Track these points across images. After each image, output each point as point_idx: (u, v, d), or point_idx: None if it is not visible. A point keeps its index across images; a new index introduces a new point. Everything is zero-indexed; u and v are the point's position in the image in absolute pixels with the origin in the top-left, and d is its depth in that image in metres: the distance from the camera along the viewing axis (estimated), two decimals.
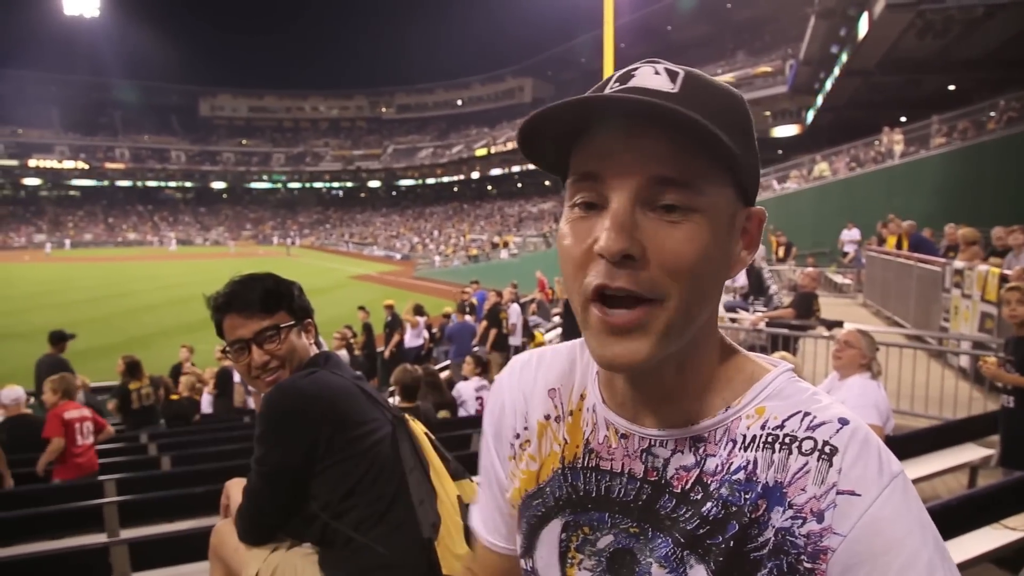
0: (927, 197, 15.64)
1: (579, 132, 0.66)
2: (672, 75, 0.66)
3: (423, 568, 1.70)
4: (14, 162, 69.95)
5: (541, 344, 12.55)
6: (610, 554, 0.71)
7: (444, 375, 11.02)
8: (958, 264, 7.63)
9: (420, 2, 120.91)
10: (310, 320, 1.91)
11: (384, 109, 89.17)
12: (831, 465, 0.62)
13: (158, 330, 18.71)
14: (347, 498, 1.69)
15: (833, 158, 21.69)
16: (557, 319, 13.99)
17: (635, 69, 0.68)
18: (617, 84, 0.67)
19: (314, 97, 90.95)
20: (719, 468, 0.68)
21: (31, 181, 72.39)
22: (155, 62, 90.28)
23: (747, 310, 9.74)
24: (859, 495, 0.61)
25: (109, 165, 74.61)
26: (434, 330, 12.93)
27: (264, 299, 1.79)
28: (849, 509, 0.60)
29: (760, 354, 0.77)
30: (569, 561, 0.75)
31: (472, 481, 1.99)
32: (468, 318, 11.67)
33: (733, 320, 8.69)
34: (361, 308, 13.42)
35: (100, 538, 3.54)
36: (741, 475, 0.66)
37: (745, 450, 0.67)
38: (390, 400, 3.95)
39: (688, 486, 0.68)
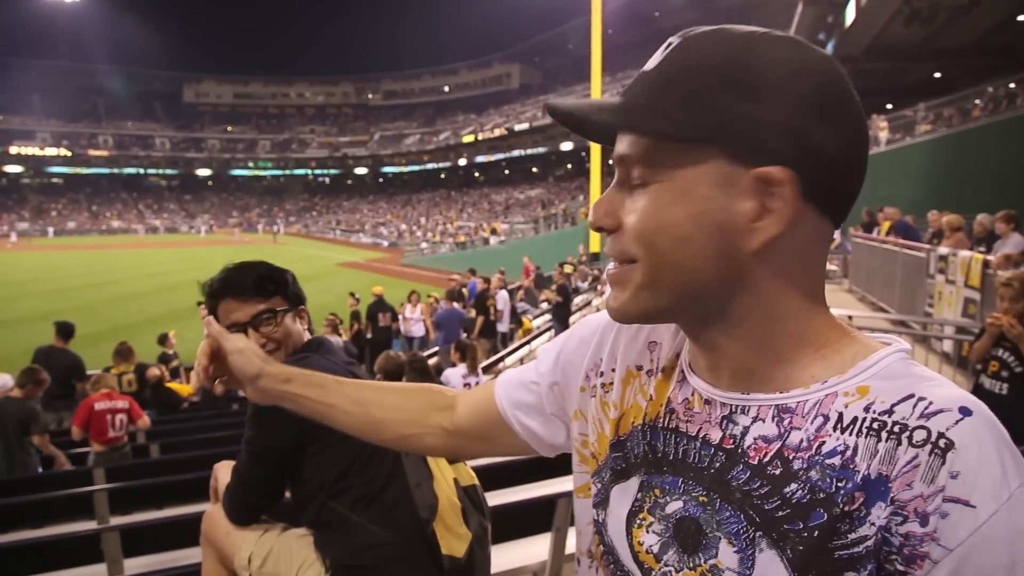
0: (912, 184, 15.75)
1: None
2: (665, 49, 0.68)
3: (420, 548, 1.72)
4: None
5: (529, 331, 12.59)
6: (676, 520, 0.69)
7: (433, 361, 11.06)
8: (942, 250, 7.70)
9: None
10: (303, 307, 1.93)
11: (370, 95, 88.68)
12: (944, 463, 0.55)
13: (144, 318, 18.59)
14: (342, 479, 1.71)
15: None
16: (545, 304, 14.02)
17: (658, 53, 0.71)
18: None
19: (300, 83, 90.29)
20: (804, 444, 0.62)
21: (12, 168, 71.40)
22: (139, 48, 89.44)
23: None
24: (973, 507, 0.54)
25: (92, 152, 73.80)
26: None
27: (260, 283, 1.81)
28: (960, 520, 0.54)
29: (876, 334, 0.71)
30: (638, 522, 0.72)
31: (466, 465, 2.01)
32: (456, 305, 11.68)
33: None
34: (351, 295, 13.39)
35: (91, 525, 3.54)
36: (837, 460, 0.60)
37: (843, 432, 0.61)
38: None
39: (766, 459, 0.64)
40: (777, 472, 0.62)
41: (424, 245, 45.05)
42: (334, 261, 38.71)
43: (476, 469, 2.05)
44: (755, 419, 0.66)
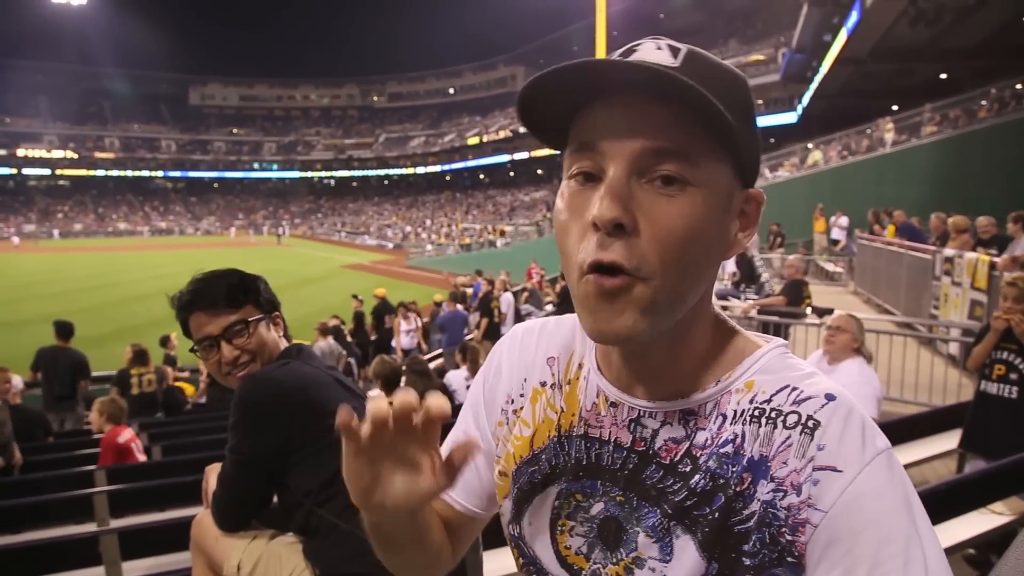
0: (918, 186, 15.68)
1: (579, 105, 0.66)
2: (674, 51, 0.66)
3: None
4: (2, 152, 69.25)
5: None
6: (600, 521, 0.72)
7: (436, 363, 11.04)
8: (948, 252, 7.66)
9: None
10: (278, 313, 1.89)
11: (376, 98, 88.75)
12: (812, 439, 0.62)
13: (148, 320, 18.62)
14: (329, 486, 1.68)
15: (824, 146, 21.71)
16: (550, 307, 14.00)
17: (637, 45, 0.68)
18: (619, 59, 0.66)
19: (305, 86, 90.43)
20: (708, 442, 0.67)
21: (19, 171, 71.68)
22: (145, 50, 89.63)
23: (738, 298, 9.77)
24: (840, 471, 0.60)
25: (99, 155, 74.03)
26: (424, 319, 12.92)
27: (230, 294, 1.76)
28: (830, 485, 0.60)
29: (755, 332, 0.76)
30: (560, 528, 0.76)
31: None
32: (459, 307, 11.66)
33: (724, 308, 8.71)
34: (354, 297, 13.40)
35: (90, 527, 3.53)
36: (729, 448, 0.66)
37: (733, 423, 0.67)
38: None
39: (677, 458, 0.68)
40: (687, 469, 0.67)
41: (429, 247, 45.02)
42: (339, 263, 38.73)
43: None
44: (663, 423, 0.70)
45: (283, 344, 1.87)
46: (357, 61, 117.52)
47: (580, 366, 0.80)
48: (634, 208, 0.61)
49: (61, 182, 74.78)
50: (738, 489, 0.64)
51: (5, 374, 5.85)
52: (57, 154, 71.76)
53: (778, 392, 0.66)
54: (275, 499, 1.80)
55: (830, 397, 0.64)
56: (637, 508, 0.70)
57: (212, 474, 1.88)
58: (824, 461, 0.61)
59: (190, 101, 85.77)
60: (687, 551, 0.66)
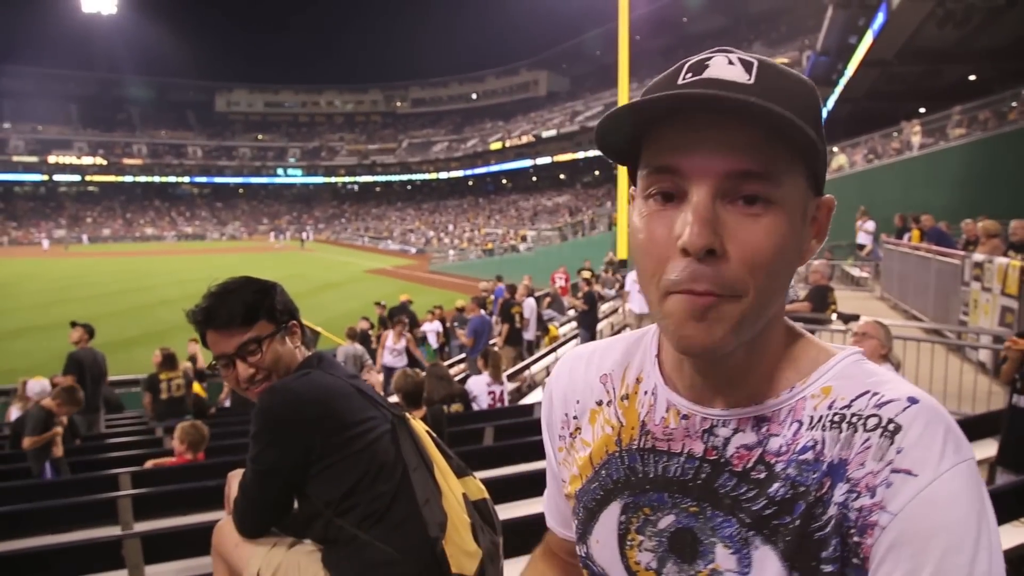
0: (946, 190, 15.43)
1: (653, 121, 0.66)
2: (747, 65, 0.65)
3: (429, 566, 1.68)
4: (34, 158, 70.71)
5: (556, 338, 12.56)
6: (671, 533, 0.72)
7: (459, 368, 11.05)
8: (978, 257, 7.52)
9: None
10: (295, 322, 1.87)
11: (399, 103, 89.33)
12: (892, 443, 0.61)
13: (173, 325, 18.85)
14: (349, 496, 1.68)
15: (850, 150, 21.46)
16: (572, 312, 13.96)
17: (708, 59, 0.67)
18: (690, 74, 0.66)
19: (329, 92, 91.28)
20: (784, 448, 0.67)
21: (50, 177, 73.12)
22: (171, 58, 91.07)
23: None
24: (915, 475, 0.59)
25: (127, 161, 75.31)
26: (447, 324, 12.94)
27: (242, 312, 1.74)
28: (903, 488, 0.59)
29: (826, 341, 0.77)
30: (629, 543, 0.75)
31: (475, 478, 1.97)
32: (483, 312, 11.65)
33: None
34: (377, 303, 13.44)
35: (114, 531, 3.57)
36: (809, 455, 0.65)
37: (811, 429, 0.66)
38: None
39: (750, 465, 0.68)
40: (762, 476, 0.67)
41: (451, 252, 45.18)
42: (362, 268, 39.01)
43: (486, 481, 2.01)
44: (735, 430, 0.70)
45: (300, 354, 1.86)
46: (380, 67, 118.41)
47: (638, 380, 0.81)
48: (721, 231, 0.62)
49: (90, 188, 76.16)
50: (818, 495, 0.63)
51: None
52: (87, 160, 73.08)
53: (858, 397, 0.66)
54: (296, 506, 1.80)
55: (913, 400, 0.63)
56: (712, 518, 0.69)
57: (234, 480, 1.89)
58: (901, 464, 0.60)
59: (216, 108, 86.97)
60: (768, 562, 0.64)
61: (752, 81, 0.64)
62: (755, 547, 0.65)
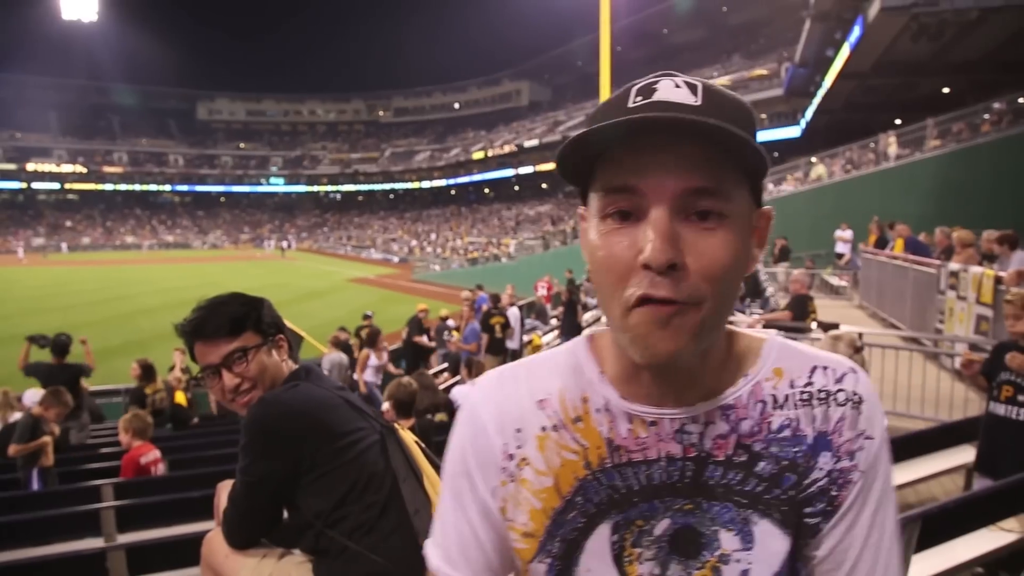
0: (922, 200, 15.67)
1: (607, 143, 0.68)
2: (692, 88, 0.70)
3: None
4: (12, 166, 69.79)
5: (539, 347, 12.57)
6: (671, 536, 0.74)
7: (444, 377, 11.03)
8: (953, 266, 7.65)
9: (416, 6, 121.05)
10: (281, 336, 1.90)
11: (381, 112, 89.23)
12: (860, 413, 0.75)
13: (154, 334, 18.69)
14: (339, 507, 1.69)
15: (829, 160, 21.73)
16: (555, 321, 14.00)
17: (655, 82, 0.71)
18: (640, 98, 0.69)
19: (312, 101, 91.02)
20: (756, 429, 0.74)
21: (29, 185, 72.17)
22: (153, 66, 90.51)
23: (743, 312, 9.77)
24: (872, 438, 0.75)
25: (107, 169, 74.50)
26: (431, 333, 12.89)
27: (229, 323, 1.78)
28: (868, 449, 0.75)
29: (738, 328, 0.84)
30: (627, 559, 0.75)
31: None
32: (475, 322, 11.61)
33: (730, 322, 8.70)
34: (365, 316, 13.28)
35: (97, 543, 3.54)
36: (787, 432, 0.74)
37: (782, 408, 0.75)
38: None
39: (730, 452, 0.74)
40: (744, 459, 0.74)
41: (436, 266, 45.09)
42: (345, 277, 38.83)
43: None
44: (706, 424, 0.74)
45: (288, 367, 1.88)
46: (363, 77, 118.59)
47: (584, 400, 0.78)
48: (680, 245, 0.65)
49: (70, 196, 75.27)
50: (805, 465, 0.74)
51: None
52: (66, 168, 72.24)
53: (813, 373, 0.77)
54: (286, 516, 1.81)
55: (854, 371, 0.77)
56: (708, 510, 0.73)
57: (223, 491, 1.90)
58: (867, 431, 0.75)
59: (198, 116, 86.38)
60: (769, 533, 0.73)
61: (700, 103, 0.68)
62: (755, 523, 0.73)
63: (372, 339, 9.81)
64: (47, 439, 5.28)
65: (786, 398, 0.75)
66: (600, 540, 0.75)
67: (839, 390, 0.76)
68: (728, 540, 0.73)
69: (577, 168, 0.73)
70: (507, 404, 0.81)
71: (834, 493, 0.74)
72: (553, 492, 0.77)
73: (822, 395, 0.75)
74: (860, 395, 0.76)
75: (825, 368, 0.77)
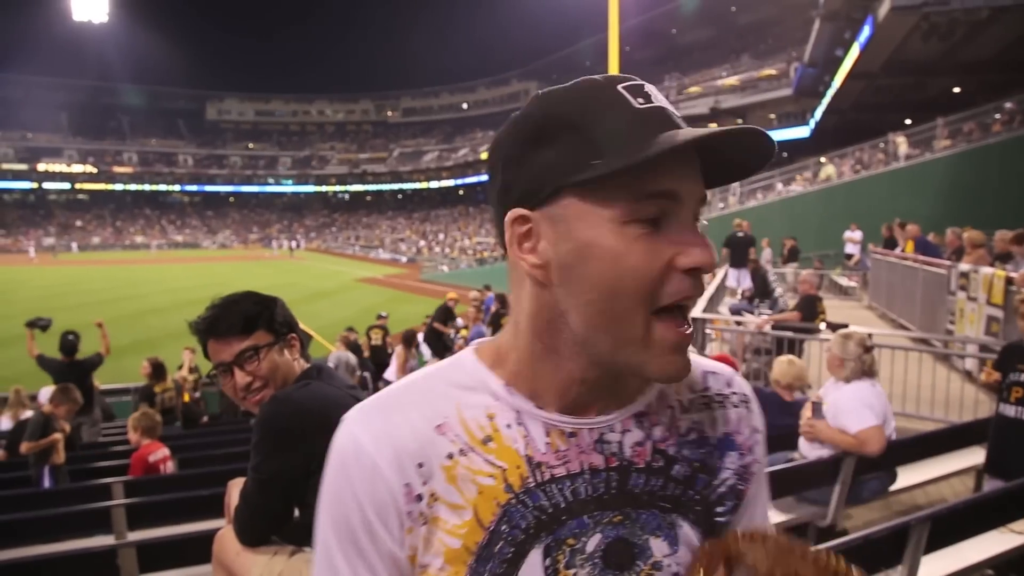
0: (932, 200, 15.61)
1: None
2: (664, 95, 0.71)
3: None
4: (23, 166, 70.28)
5: None
6: (604, 550, 0.71)
7: None
8: (964, 267, 7.61)
9: (425, 6, 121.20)
10: (294, 335, 1.91)
11: (390, 113, 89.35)
12: (750, 411, 0.82)
13: (163, 333, 18.79)
14: None
15: (838, 160, 21.66)
16: None
17: (641, 85, 0.69)
18: (641, 100, 0.67)
19: (320, 101, 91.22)
20: (667, 434, 0.76)
21: (40, 185, 72.68)
22: (162, 67, 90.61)
23: (752, 312, 9.74)
24: (760, 431, 0.83)
25: (117, 169, 74.94)
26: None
27: (241, 322, 1.80)
28: (760, 441, 0.83)
29: None
30: None
31: None
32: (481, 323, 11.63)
33: (739, 323, 8.68)
34: (379, 316, 13.29)
35: (108, 540, 3.57)
36: (695, 435, 0.78)
37: (688, 413, 0.78)
38: None
39: (649, 458, 0.74)
40: (661, 464, 0.74)
41: (444, 266, 45.12)
42: (353, 277, 38.93)
43: None
44: (624, 431, 0.74)
45: (300, 365, 1.89)
46: (371, 77, 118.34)
47: (491, 417, 0.71)
48: None
49: (80, 196, 75.74)
50: (714, 466, 0.78)
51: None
52: (77, 168, 72.68)
53: (705, 378, 0.81)
54: (297, 514, 1.83)
55: (734, 371, 0.84)
56: (638, 519, 0.72)
57: (234, 489, 1.91)
58: (757, 425, 0.83)
59: (207, 116, 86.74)
60: (688, 534, 0.74)
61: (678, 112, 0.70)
62: (679, 526, 0.74)
63: (409, 340, 9.94)
64: (58, 436, 5.32)
65: (690, 402, 0.78)
66: (532, 567, 0.69)
67: (732, 392, 0.81)
68: (658, 546, 0.72)
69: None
70: (401, 437, 0.69)
71: (740, 488, 0.79)
72: (474, 525, 0.69)
73: (719, 398, 0.80)
74: (747, 395, 0.82)
75: (715, 373, 0.82)
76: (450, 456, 0.70)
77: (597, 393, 0.72)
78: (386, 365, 11.70)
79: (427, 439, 0.70)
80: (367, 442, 0.70)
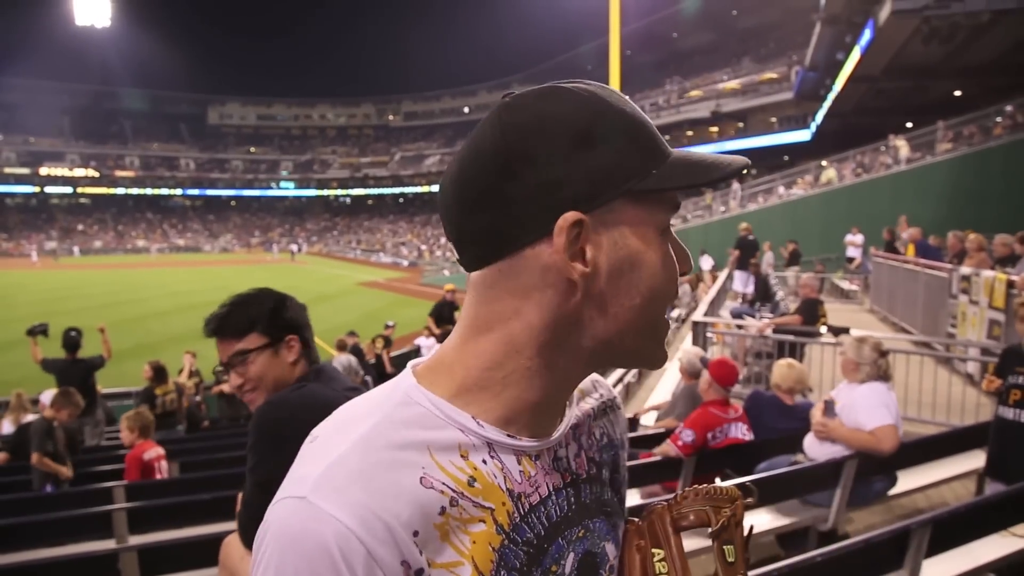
0: (933, 203, 15.61)
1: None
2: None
3: None
4: (25, 170, 70.41)
5: None
6: (577, 568, 0.70)
7: None
8: (965, 270, 7.61)
9: (427, 10, 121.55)
10: (293, 336, 1.88)
11: (391, 117, 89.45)
12: (618, 410, 0.87)
13: (165, 337, 18.79)
14: None
15: (839, 164, 21.66)
16: None
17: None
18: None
19: (322, 105, 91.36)
20: (591, 441, 0.79)
21: (42, 189, 72.80)
22: (164, 71, 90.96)
23: (753, 316, 9.74)
24: (626, 417, 0.89)
25: (119, 173, 75.07)
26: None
27: (234, 325, 1.81)
28: (625, 425, 0.88)
29: None
30: None
31: None
32: None
33: (740, 327, 8.67)
34: (387, 326, 13.29)
35: (109, 544, 3.57)
36: (605, 439, 0.82)
37: (596, 419, 0.82)
38: None
39: (587, 467, 0.77)
40: (595, 471, 0.78)
41: (446, 271, 45.09)
42: (354, 280, 38.93)
43: None
44: (566, 445, 0.75)
45: (298, 368, 1.88)
46: (373, 81, 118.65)
47: (464, 456, 0.65)
48: None
49: (82, 200, 75.86)
50: (620, 464, 0.84)
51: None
52: (79, 172, 72.79)
53: (595, 387, 0.85)
54: None
55: (601, 377, 0.86)
56: (593, 528, 0.74)
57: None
58: (623, 421, 0.88)
59: (209, 120, 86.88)
60: (618, 532, 0.79)
61: None
62: (618, 527, 0.79)
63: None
64: (67, 473, 5.27)
65: (594, 410, 0.82)
66: None
67: (611, 398, 0.86)
68: (611, 550, 0.76)
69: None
70: (390, 508, 0.58)
71: (626, 477, 0.86)
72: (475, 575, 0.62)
73: (608, 403, 0.85)
74: (616, 397, 0.87)
75: (596, 382, 0.85)
76: (442, 511, 0.61)
77: (558, 408, 0.72)
78: (386, 375, 11.72)
79: (416, 499, 0.60)
80: (355, 526, 0.56)
